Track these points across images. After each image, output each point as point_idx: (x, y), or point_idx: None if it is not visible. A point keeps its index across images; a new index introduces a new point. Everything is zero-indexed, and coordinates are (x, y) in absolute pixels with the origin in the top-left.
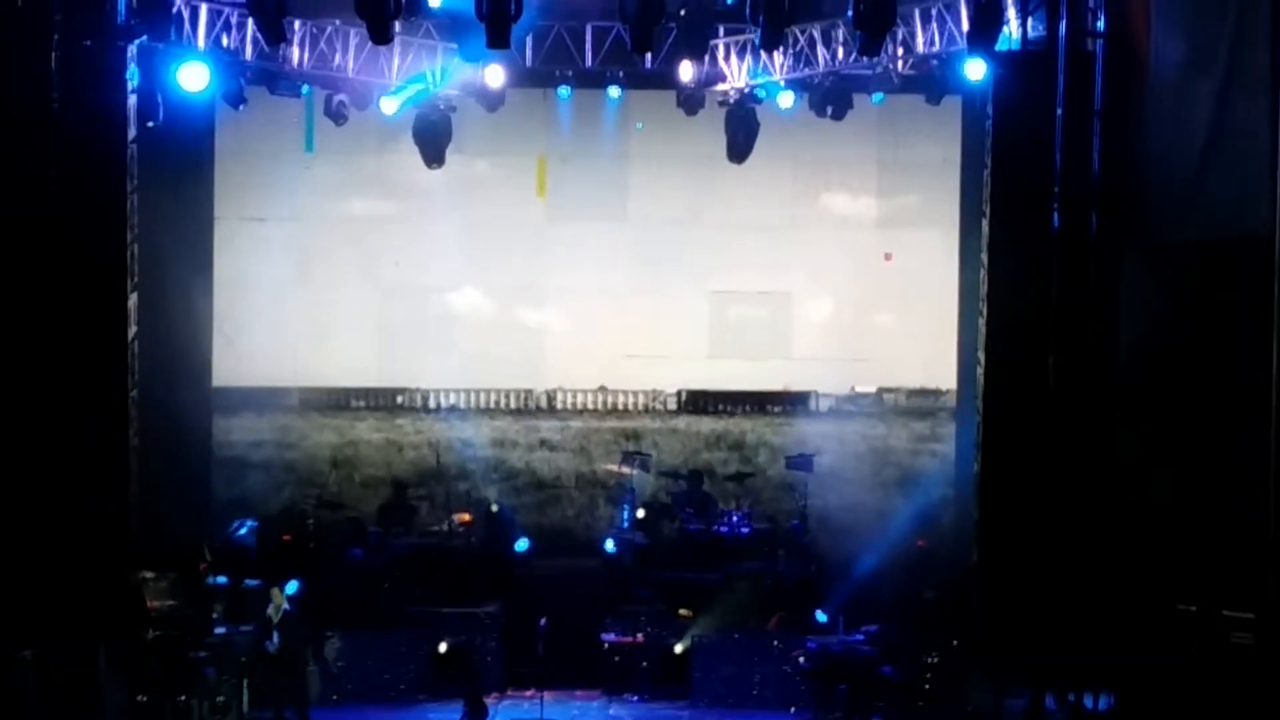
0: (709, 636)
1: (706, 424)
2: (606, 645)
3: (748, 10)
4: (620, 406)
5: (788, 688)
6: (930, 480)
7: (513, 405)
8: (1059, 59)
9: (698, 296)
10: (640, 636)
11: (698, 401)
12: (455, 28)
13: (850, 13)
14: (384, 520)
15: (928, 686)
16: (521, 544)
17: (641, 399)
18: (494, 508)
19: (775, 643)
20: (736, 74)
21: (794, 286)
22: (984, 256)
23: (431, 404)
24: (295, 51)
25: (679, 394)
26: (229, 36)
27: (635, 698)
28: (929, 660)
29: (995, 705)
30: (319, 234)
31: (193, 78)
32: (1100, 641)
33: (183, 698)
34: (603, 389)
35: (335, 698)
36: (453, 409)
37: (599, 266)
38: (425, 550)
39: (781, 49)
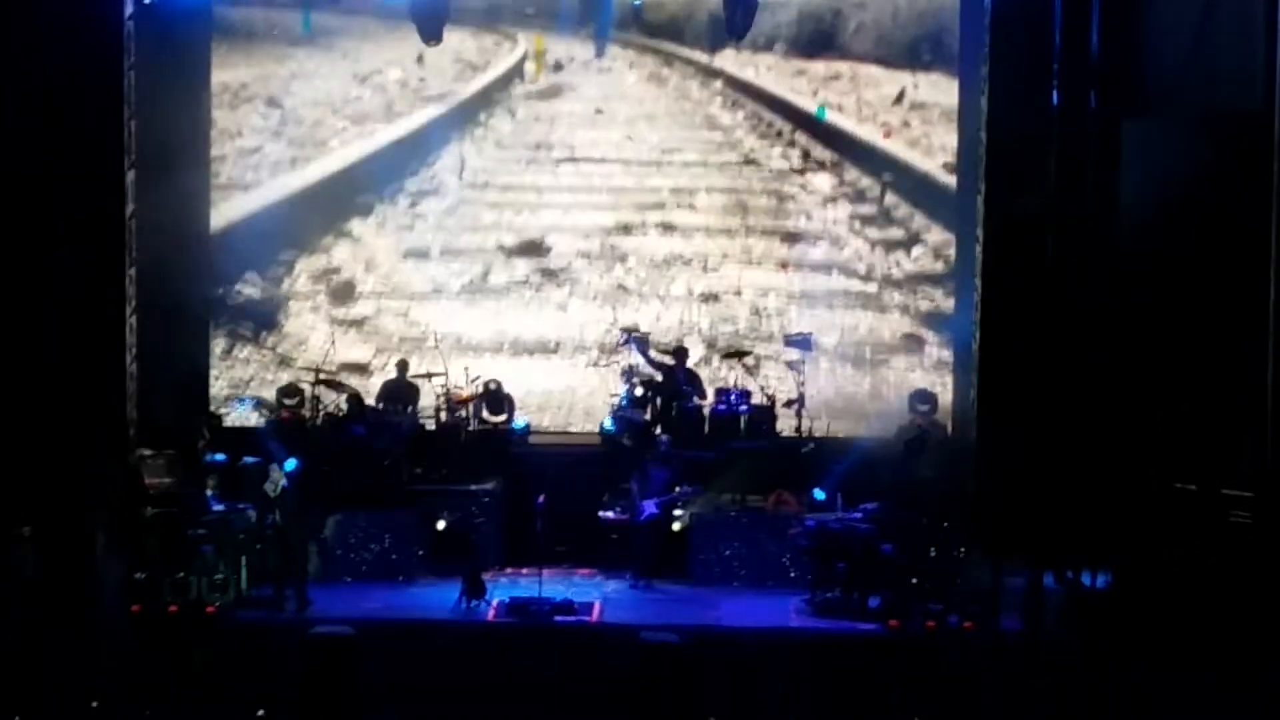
0: (707, 515)
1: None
2: (604, 523)
3: None
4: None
5: (785, 565)
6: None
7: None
8: None
9: (700, 171)
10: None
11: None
12: None
13: None
14: (383, 398)
15: (926, 564)
16: (520, 422)
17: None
18: (492, 385)
19: (773, 520)
20: None
21: (793, 160)
22: (982, 134)
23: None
24: None
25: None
26: None
27: (632, 575)
28: (928, 538)
29: (994, 583)
30: (316, 112)
31: None
32: (1099, 520)
33: (181, 575)
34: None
35: (335, 575)
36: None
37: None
38: (423, 428)
39: None
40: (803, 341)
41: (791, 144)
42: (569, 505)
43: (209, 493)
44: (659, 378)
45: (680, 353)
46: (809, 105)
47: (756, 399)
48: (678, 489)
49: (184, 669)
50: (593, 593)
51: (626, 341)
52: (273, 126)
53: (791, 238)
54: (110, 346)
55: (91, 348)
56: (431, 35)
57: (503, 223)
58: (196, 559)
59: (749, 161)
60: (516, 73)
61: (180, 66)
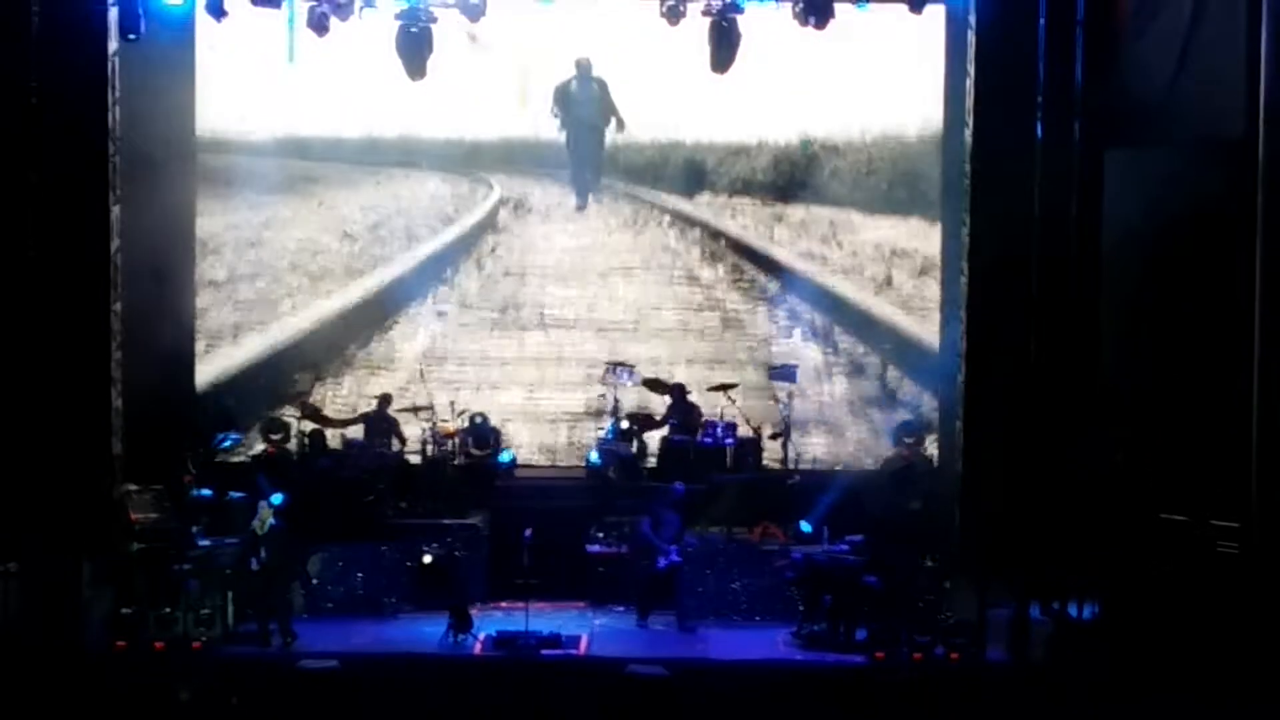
0: (693, 547)
1: None
2: (591, 556)
3: None
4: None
5: (772, 598)
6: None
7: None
8: None
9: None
10: (625, 547)
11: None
12: None
13: None
14: (368, 433)
15: (912, 596)
16: (506, 455)
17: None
18: (477, 419)
19: (759, 553)
20: None
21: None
22: (967, 166)
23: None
24: None
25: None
26: None
27: (620, 608)
28: (914, 570)
29: (980, 615)
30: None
31: None
32: (1085, 551)
33: (167, 610)
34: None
35: (321, 609)
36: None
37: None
38: (408, 462)
39: None
40: (787, 373)
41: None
42: (556, 538)
43: (195, 528)
44: (648, 410)
45: (678, 388)
46: (789, 259)
47: (742, 431)
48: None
49: (170, 705)
50: (580, 626)
51: (614, 372)
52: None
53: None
54: (95, 381)
55: (76, 382)
56: (416, 70)
57: (459, 402)
58: (182, 594)
59: (730, 324)
60: (489, 224)
61: (164, 91)
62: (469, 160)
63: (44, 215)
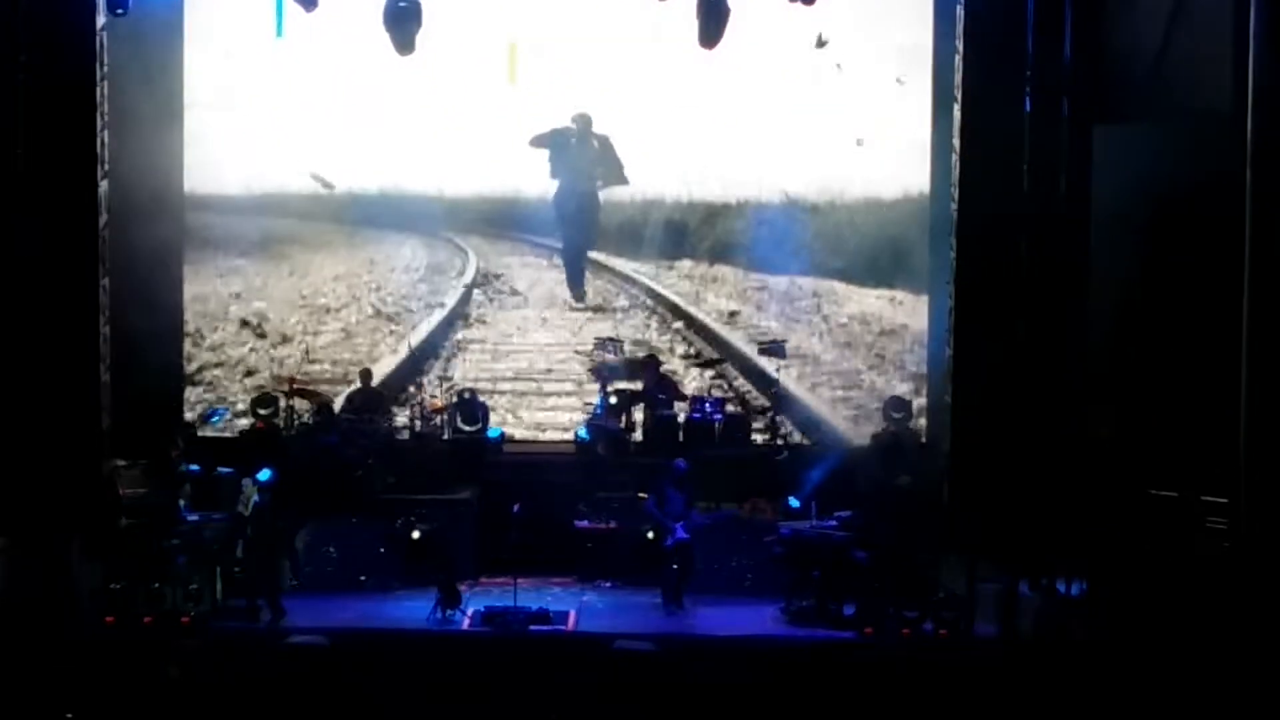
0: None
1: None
2: (580, 532)
3: None
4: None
5: (760, 573)
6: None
7: None
8: None
9: (667, 183)
10: (613, 523)
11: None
12: None
13: None
14: (356, 408)
15: (901, 572)
16: (494, 431)
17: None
18: (465, 394)
19: (749, 527)
20: None
21: (764, 172)
22: (955, 142)
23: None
24: None
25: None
26: None
27: (609, 584)
28: (903, 546)
29: (969, 591)
30: (289, 121)
31: None
32: (1074, 527)
33: (155, 585)
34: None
35: (309, 585)
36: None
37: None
38: (397, 438)
39: None
40: (776, 348)
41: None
42: (544, 514)
43: (183, 503)
44: (636, 386)
45: (651, 360)
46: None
47: (731, 407)
48: (695, 510)
49: (159, 680)
50: (569, 602)
51: (601, 347)
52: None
53: None
54: (83, 356)
55: (64, 358)
56: (404, 45)
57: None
58: (171, 569)
59: None
60: (460, 313)
61: (153, 76)
62: (449, 218)
63: (32, 192)
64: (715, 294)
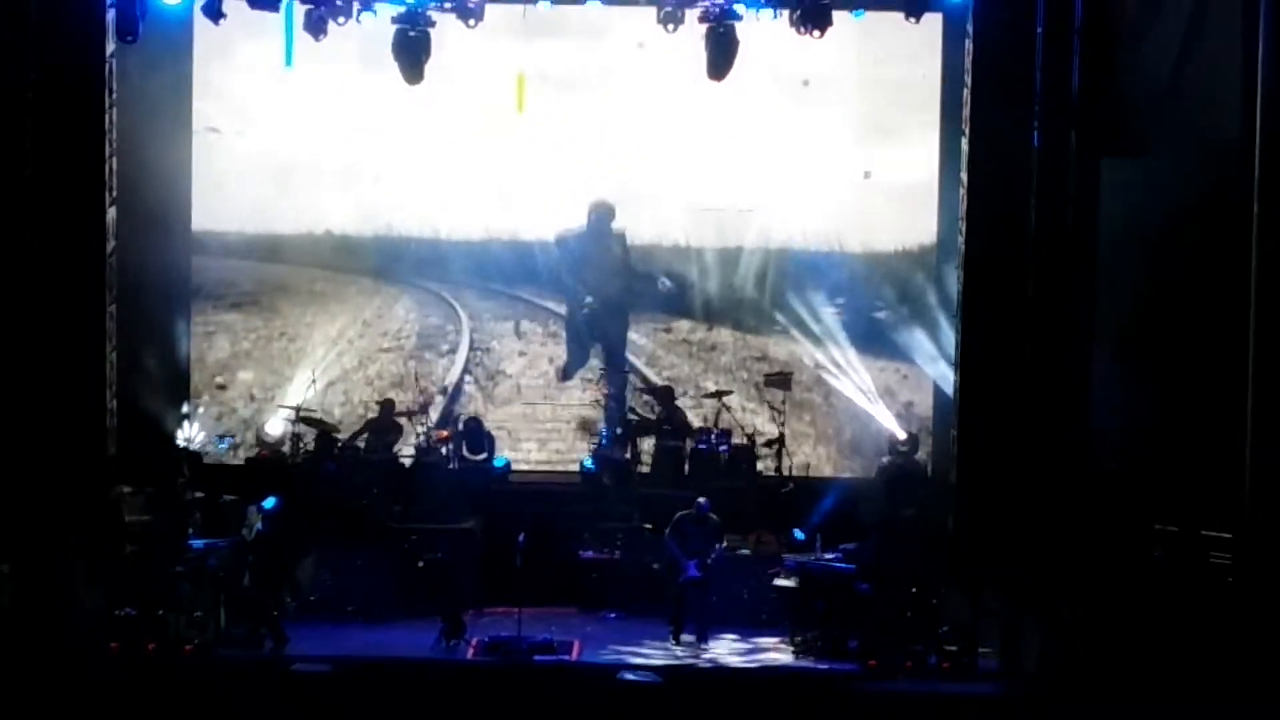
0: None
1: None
2: (584, 562)
3: None
4: None
5: (764, 605)
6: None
7: None
8: None
9: (674, 211)
10: (618, 553)
11: None
12: None
13: None
14: (373, 437)
15: (905, 604)
16: (500, 460)
17: None
18: (472, 423)
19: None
20: None
21: (772, 203)
22: (964, 175)
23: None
24: None
25: None
26: None
27: (613, 614)
28: (907, 578)
29: (973, 621)
30: (298, 149)
31: None
32: (1078, 560)
33: (160, 612)
34: None
35: (313, 613)
36: None
37: (577, 181)
38: (402, 466)
39: None
40: (782, 380)
41: None
42: (549, 543)
43: (188, 530)
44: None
45: (666, 392)
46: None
47: (737, 438)
48: (715, 549)
49: (163, 706)
50: (573, 632)
51: (609, 373)
52: None
53: None
54: (91, 383)
55: (72, 384)
56: (413, 75)
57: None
58: (175, 597)
59: None
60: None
61: (161, 102)
62: (441, 268)
63: (40, 217)
64: (713, 369)
